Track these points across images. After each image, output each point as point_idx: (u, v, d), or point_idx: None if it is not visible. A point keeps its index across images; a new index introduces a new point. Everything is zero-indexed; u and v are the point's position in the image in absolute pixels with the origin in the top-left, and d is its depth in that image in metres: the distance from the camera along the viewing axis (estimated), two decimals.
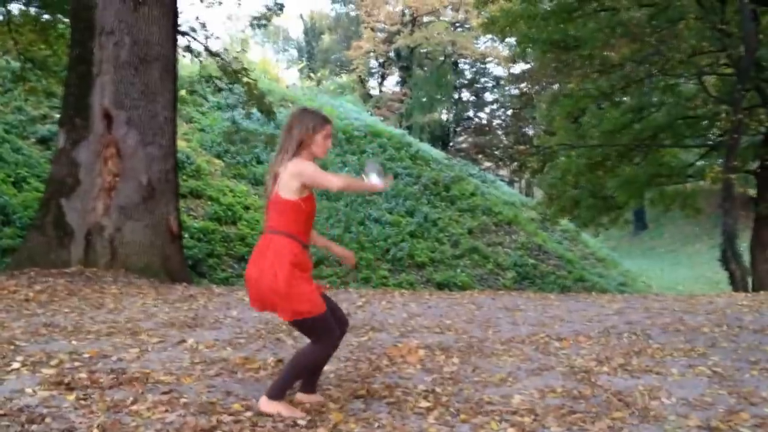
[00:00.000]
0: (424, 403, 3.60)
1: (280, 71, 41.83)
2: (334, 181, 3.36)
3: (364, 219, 16.73)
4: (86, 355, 4.40)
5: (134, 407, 3.41)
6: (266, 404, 3.35)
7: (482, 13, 20.60)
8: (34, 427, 3.13)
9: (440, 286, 14.29)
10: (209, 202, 15.28)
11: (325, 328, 3.37)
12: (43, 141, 15.27)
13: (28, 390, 3.63)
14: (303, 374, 3.48)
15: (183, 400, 3.51)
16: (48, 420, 3.20)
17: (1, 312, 5.85)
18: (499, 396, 3.79)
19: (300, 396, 3.58)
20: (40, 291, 6.89)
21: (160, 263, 8.52)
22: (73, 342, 4.80)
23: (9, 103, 16.04)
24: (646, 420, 3.47)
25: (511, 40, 16.75)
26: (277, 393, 3.37)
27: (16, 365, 4.09)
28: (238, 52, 12.40)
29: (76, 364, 4.19)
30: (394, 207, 17.78)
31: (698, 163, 15.91)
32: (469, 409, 3.55)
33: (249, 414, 3.28)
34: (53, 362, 4.18)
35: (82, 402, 3.46)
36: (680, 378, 4.30)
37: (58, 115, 15.97)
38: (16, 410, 3.31)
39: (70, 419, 3.23)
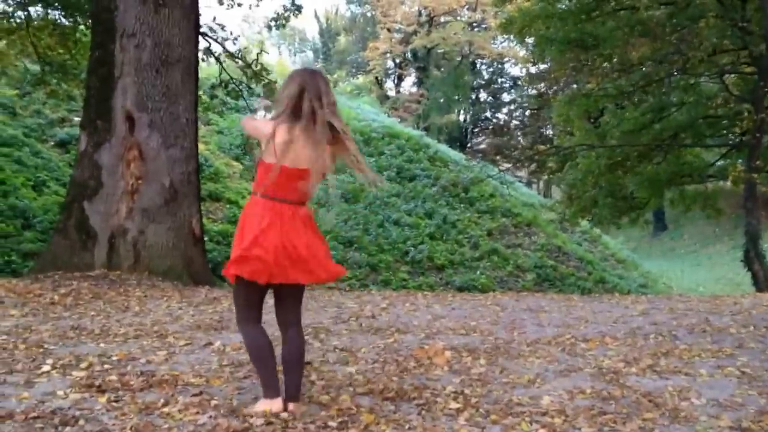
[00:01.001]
0: (453, 405, 3.60)
1: None
2: None
3: (383, 221, 16.73)
4: (115, 358, 4.43)
5: (165, 409, 3.42)
6: (298, 407, 3.36)
7: (499, 12, 20.56)
8: (67, 429, 3.15)
9: (460, 289, 14.24)
10: (228, 205, 15.34)
11: None
12: (62, 144, 15.43)
13: (60, 392, 3.65)
14: None
15: (213, 402, 3.52)
16: (81, 422, 3.23)
17: (28, 315, 5.91)
18: (528, 397, 3.78)
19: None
20: (65, 294, 6.95)
21: (183, 266, 8.55)
22: (102, 345, 4.83)
23: (28, 107, 16.21)
24: (677, 421, 3.45)
25: (529, 40, 16.68)
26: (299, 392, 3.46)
27: (46, 368, 4.13)
28: (258, 53, 12.43)
29: (106, 366, 4.22)
30: (413, 209, 17.76)
31: (719, 163, 15.77)
32: (499, 410, 3.54)
33: (283, 415, 3.28)
34: (83, 365, 4.21)
35: (114, 404, 3.49)
36: (709, 379, 4.28)
37: (76, 118, 16.17)
38: (49, 412, 3.33)
39: (103, 421, 3.25)
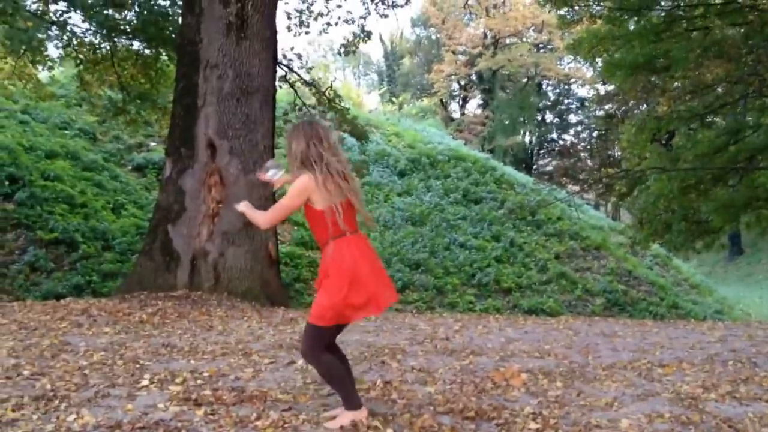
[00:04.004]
0: (533, 425, 3.69)
1: (361, 96, 42.58)
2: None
3: (449, 244, 16.79)
4: (206, 374, 4.68)
5: (258, 423, 3.63)
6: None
7: (566, 33, 20.49)
8: None
9: (528, 312, 14.16)
10: (295, 227, 15.64)
11: None
12: (139, 168, 16.10)
13: (160, 405, 3.91)
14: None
15: (302, 417, 3.71)
16: None
17: (120, 333, 6.26)
18: (607, 420, 3.84)
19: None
20: (152, 313, 7.30)
21: (260, 287, 8.84)
22: (192, 361, 5.10)
23: (107, 132, 16.98)
24: None
25: (597, 61, 16.56)
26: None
27: (145, 382, 4.41)
28: (332, 81, 12.79)
29: (199, 382, 4.48)
30: (479, 232, 17.77)
31: None
32: (578, 431, 3.62)
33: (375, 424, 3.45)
34: (178, 380, 4.48)
35: (211, 417, 3.72)
36: None
37: (152, 143, 16.84)
38: (153, 423, 3.58)
39: None
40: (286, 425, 3.60)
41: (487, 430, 3.62)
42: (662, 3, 14.04)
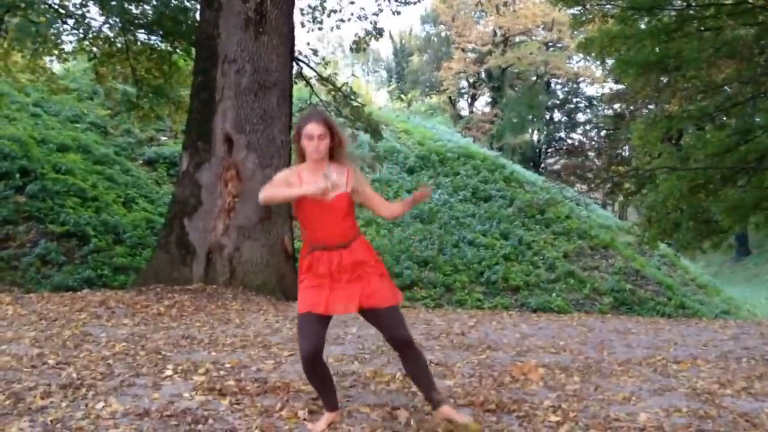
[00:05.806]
0: (553, 418, 3.76)
1: (370, 93, 42.61)
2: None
3: (458, 241, 16.83)
4: (228, 365, 4.76)
5: (283, 413, 3.71)
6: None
7: (575, 33, 20.49)
8: (200, 427, 3.48)
9: (536, 311, 14.18)
10: None
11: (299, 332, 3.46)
12: (150, 162, 16.17)
13: (186, 394, 3.99)
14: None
15: None
16: (210, 421, 3.55)
17: (139, 324, 6.35)
18: (625, 413, 3.90)
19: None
20: (169, 306, 7.39)
21: (276, 281, 8.90)
22: (213, 353, 5.18)
23: (118, 126, 17.02)
24: None
25: (610, 60, 16.57)
26: None
27: (168, 372, 4.50)
28: (348, 77, 12.84)
29: (222, 372, 4.56)
30: (488, 229, 17.80)
31: None
32: (598, 424, 3.68)
33: (400, 422, 3.52)
34: (201, 370, 4.56)
35: (236, 407, 3.80)
36: None
37: (163, 138, 16.89)
38: (180, 412, 3.66)
39: (230, 421, 3.56)
40: (311, 414, 3.67)
41: (508, 422, 3.69)
42: (674, 2, 14.06)
